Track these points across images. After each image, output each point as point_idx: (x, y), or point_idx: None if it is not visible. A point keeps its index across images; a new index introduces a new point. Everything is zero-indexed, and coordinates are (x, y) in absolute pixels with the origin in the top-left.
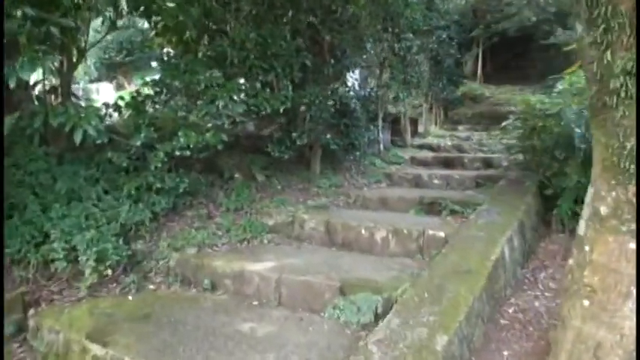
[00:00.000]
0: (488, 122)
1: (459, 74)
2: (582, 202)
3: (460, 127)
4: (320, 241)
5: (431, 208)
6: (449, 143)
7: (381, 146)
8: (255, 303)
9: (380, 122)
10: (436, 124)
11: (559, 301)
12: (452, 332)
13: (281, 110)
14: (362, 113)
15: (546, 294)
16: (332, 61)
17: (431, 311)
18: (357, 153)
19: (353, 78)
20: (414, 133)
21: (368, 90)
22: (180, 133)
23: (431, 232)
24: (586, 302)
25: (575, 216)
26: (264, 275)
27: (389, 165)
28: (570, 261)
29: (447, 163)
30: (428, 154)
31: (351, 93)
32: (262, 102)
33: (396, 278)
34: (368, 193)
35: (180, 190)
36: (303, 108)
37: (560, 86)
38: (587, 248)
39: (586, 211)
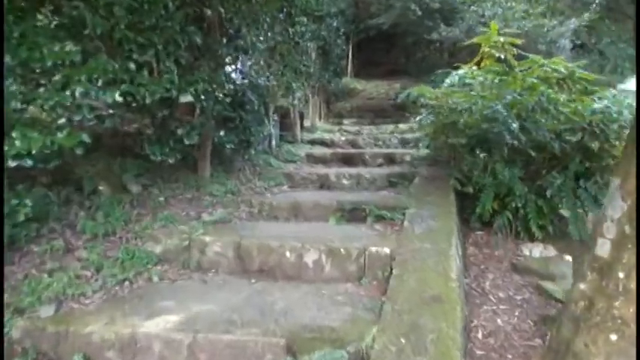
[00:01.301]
0: (372, 116)
1: (342, 66)
2: (501, 199)
3: (345, 122)
4: (229, 269)
5: (353, 215)
6: (342, 139)
7: (273, 143)
8: None
9: (272, 116)
10: (321, 118)
11: (518, 314)
12: None
13: (155, 99)
14: (259, 105)
15: (502, 307)
16: (224, 40)
17: None
18: (252, 151)
19: (247, 64)
20: (302, 127)
21: (263, 79)
22: (14, 134)
23: (373, 249)
24: (613, 337)
25: (495, 213)
26: (168, 339)
27: (285, 164)
28: (582, 286)
29: (347, 161)
30: (324, 151)
31: (246, 81)
32: (139, 88)
33: (353, 318)
34: (274, 200)
35: (21, 217)
36: (189, 98)
37: (448, 81)
38: (621, 275)
39: (612, 229)
